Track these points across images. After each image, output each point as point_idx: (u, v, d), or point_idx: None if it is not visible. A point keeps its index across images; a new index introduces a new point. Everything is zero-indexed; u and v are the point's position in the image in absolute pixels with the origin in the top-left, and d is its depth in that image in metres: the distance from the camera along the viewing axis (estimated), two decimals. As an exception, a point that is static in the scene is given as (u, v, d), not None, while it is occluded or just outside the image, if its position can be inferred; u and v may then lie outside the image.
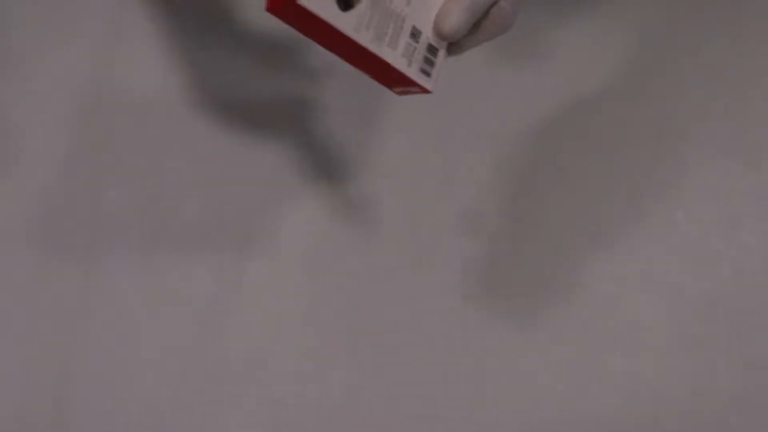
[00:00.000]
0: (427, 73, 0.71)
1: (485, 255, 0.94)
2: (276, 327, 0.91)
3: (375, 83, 0.72)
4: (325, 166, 0.96)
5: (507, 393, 0.90)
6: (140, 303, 0.91)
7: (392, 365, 0.91)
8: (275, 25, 0.65)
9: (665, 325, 0.92)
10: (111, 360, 0.89)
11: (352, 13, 0.65)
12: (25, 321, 0.90)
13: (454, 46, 0.72)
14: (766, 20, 1.03)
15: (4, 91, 0.94)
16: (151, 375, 0.89)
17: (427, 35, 0.70)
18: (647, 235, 0.95)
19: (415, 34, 0.69)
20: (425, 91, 0.71)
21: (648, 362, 0.91)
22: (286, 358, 0.90)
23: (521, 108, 0.98)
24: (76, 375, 0.89)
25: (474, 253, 0.94)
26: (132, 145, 0.95)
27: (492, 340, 0.91)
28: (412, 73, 0.70)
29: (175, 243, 0.93)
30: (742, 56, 1.02)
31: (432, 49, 0.71)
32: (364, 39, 0.66)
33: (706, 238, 0.95)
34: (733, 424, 0.89)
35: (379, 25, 0.67)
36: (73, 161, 0.94)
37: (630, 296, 0.93)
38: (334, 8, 0.64)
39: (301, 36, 0.66)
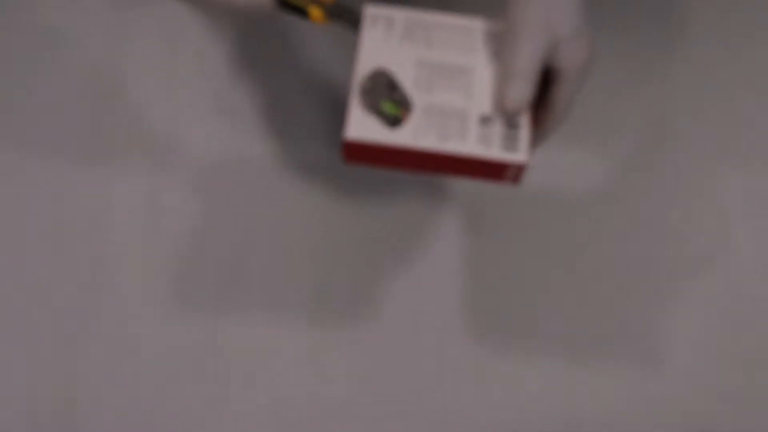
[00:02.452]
0: (512, 148, 0.69)
1: (485, 255, 0.94)
2: (276, 327, 0.91)
3: None
4: (325, 166, 0.96)
5: (507, 393, 0.91)
6: (146, 303, 0.91)
7: (392, 365, 0.91)
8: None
9: (659, 325, 0.93)
10: (118, 360, 0.89)
11: (404, 128, 0.67)
12: (35, 322, 0.89)
13: (540, 131, 0.72)
14: (756, 23, 1.03)
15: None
16: (156, 375, 0.89)
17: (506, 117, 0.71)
18: (641, 235, 0.95)
19: (485, 121, 0.69)
20: (520, 165, 0.69)
21: (644, 362, 0.92)
22: (286, 358, 0.91)
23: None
24: (86, 376, 0.88)
25: (474, 252, 0.94)
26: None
27: (492, 340, 0.92)
28: (493, 154, 0.68)
29: (174, 243, 0.93)
30: (733, 59, 1.02)
31: (513, 126, 0.70)
32: (426, 143, 0.67)
33: (700, 239, 0.96)
34: (733, 424, 0.91)
35: (440, 126, 0.68)
36: (80, 153, 0.94)
37: (625, 296, 0.93)
38: (384, 129, 0.67)
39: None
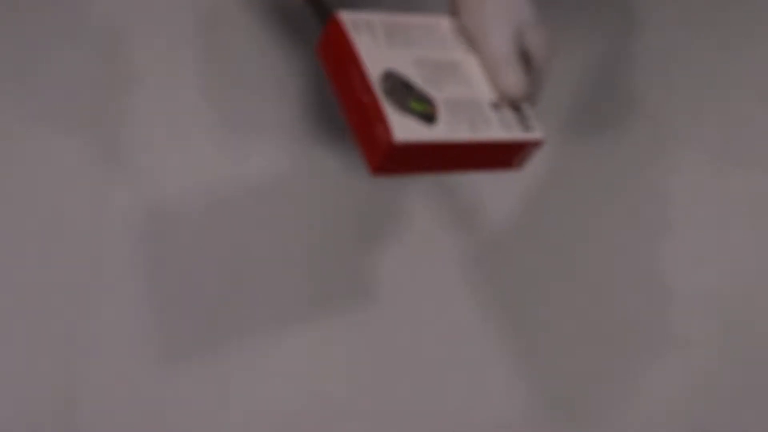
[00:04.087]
0: (529, 127, 0.71)
1: (485, 255, 0.94)
2: (275, 326, 0.91)
3: None
4: (325, 165, 0.96)
5: (507, 393, 0.91)
6: (145, 302, 0.90)
7: (391, 364, 0.91)
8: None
9: (659, 324, 0.93)
10: (118, 360, 0.88)
11: (439, 123, 0.66)
12: (34, 322, 0.89)
13: (529, 97, 0.74)
14: (755, 24, 1.04)
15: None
16: (155, 375, 0.88)
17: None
18: (642, 235, 0.96)
19: (496, 107, 0.71)
20: (538, 142, 0.72)
21: (643, 361, 0.92)
22: (285, 358, 0.90)
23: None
24: (85, 375, 0.88)
25: (474, 252, 0.94)
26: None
27: (492, 340, 0.92)
28: (518, 136, 0.70)
29: (173, 243, 0.92)
30: (732, 59, 1.02)
31: (516, 108, 0.72)
32: (464, 134, 0.67)
33: (701, 239, 0.96)
34: (730, 421, 0.91)
35: (466, 118, 0.68)
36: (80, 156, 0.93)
37: (624, 296, 0.94)
38: (425, 127, 0.66)
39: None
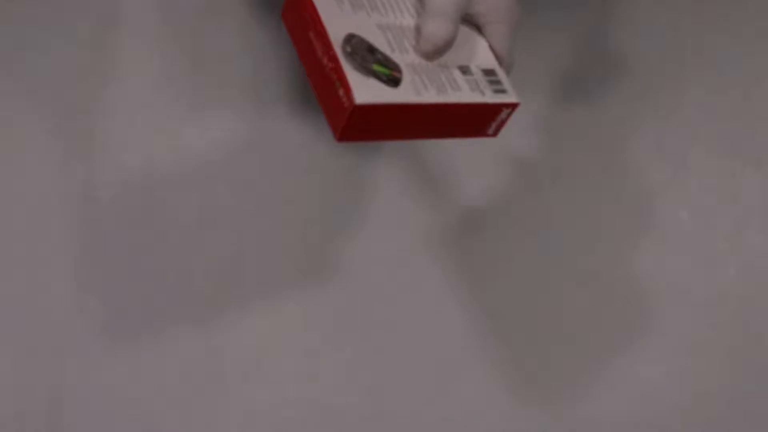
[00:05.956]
0: (502, 91, 0.70)
1: (485, 255, 0.93)
2: (275, 326, 0.90)
3: None
4: (324, 165, 0.96)
5: (507, 393, 0.89)
6: (137, 302, 0.90)
7: (389, 368, 0.90)
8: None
9: (670, 325, 0.91)
10: (107, 361, 0.88)
11: (404, 86, 0.66)
12: (21, 320, 0.89)
13: (500, 61, 0.73)
14: (770, 19, 1.03)
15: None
16: (148, 376, 0.88)
17: (476, 65, 0.71)
18: (651, 235, 0.94)
19: (464, 71, 0.70)
20: (513, 105, 0.71)
21: (652, 363, 0.90)
22: (286, 358, 0.90)
23: (525, 106, 0.98)
24: (72, 374, 0.88)
25: (474, 252, 0.93)
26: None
27: (492, 340, 0.91)
28: (491, 98, 0.69)
29: (172, 243, 0.92)
30: (746, 55, 1.02)
31: (489, 72, 0.71)
32: (430, 98, 0.66)
33: (711, 238, 0.94)
34: (736, 426, 0.89)
35: (433, 81, 0.67)
36: (63, 161, 0.94)
37: (634, 296, 0.92)
38: (388, 89, 0.65)
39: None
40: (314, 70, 0.66)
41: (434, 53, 0.69)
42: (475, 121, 0.70)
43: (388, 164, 0.96)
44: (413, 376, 0.90)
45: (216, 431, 0.87)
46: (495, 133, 0.72)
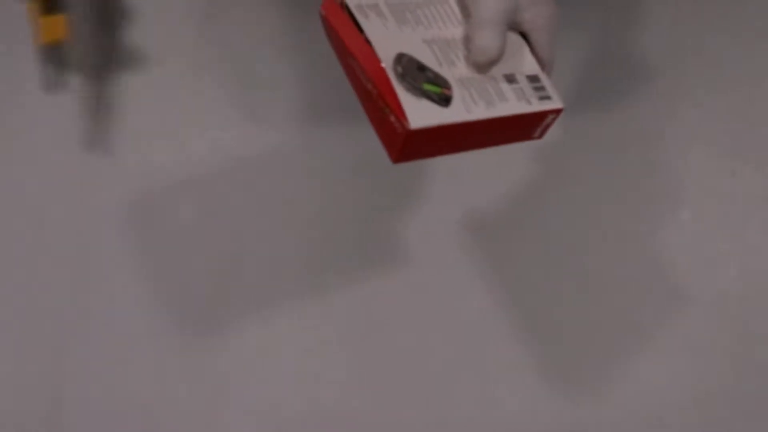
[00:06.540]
0: (547, 97, 0.70)
1: (486, 255, 0.93)
2: (275, 326, 0.90)
3: None
4: (324, 165, 0.96)
5: (508, 394, 0.89)
6: (137, 303, 0.90)
7: (389, 367, 0.90)
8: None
9: (670, 325, 0.91)
10: (107, 359, 0.88)
11: (455, 104, 0.66)
12: (22, 320, 0.89)
13: (543, 67, 0.73)
14: (770, 18, 1.03)
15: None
16: (148, 376, 0.88)
17: (521, 72, 0.71)
18: (653, 235, 0.94)
19: (510, 79, 0.70)
20: (558, 110, 0.71)
21: (652, 363, 0.90)
22: (286, 358, 0.89)
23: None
24: (72, 374, 0.88)
25: (475, 252, 0.93)
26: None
27: (493, 341, 0.91)
28: (537, 106, 0.69)
29: (171, 243, 0.92)
30: (746, 55, 1.01)
31: (533, 79, 0.71)
32: (480, 113, 0.66)
33: (711, 238, 0.94)
34: (736, 426, 0.89)
35: (481, 94, 0.67)
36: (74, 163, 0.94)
37: (634, 296, 0.92)
38: (440, 110, 0.65)
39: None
40: (362, 90, 0.66)
41: (487, 64, 0.69)
42: (521, 127, 0.70)
43: (388, 165, 0.96)
44: (413, 375, 0.90)
45: (216, 431, 0.87)
46: (540, 136, 0.73)
